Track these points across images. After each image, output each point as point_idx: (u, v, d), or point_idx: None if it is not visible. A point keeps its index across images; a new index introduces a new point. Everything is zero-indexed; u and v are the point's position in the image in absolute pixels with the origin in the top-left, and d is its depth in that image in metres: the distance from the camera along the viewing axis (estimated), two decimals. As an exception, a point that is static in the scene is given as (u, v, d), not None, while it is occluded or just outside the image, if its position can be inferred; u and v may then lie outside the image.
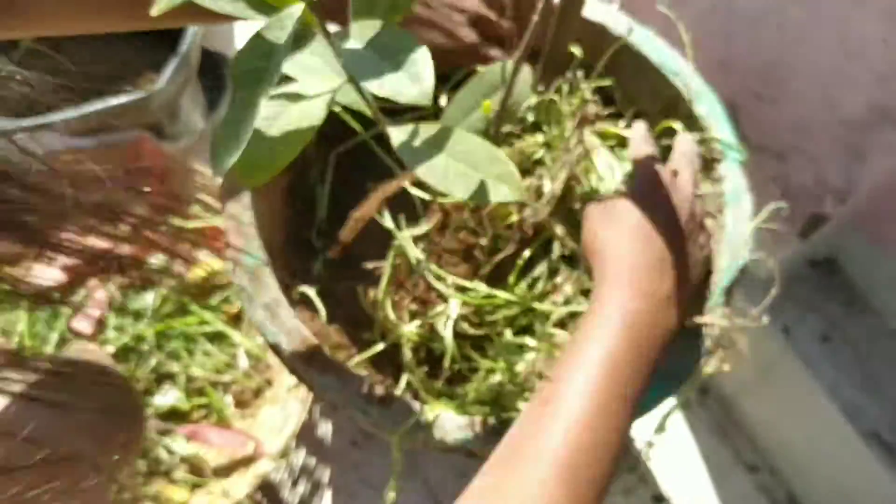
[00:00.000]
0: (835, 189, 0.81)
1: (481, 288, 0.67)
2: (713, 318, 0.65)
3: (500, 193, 0.48)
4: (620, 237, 0.58)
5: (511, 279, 0.69)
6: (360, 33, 0.42)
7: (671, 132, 0.73)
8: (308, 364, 0.59)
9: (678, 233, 0.58)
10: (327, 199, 0.77)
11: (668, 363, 0.62)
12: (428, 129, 0.51)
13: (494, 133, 0.64)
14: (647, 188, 0.60)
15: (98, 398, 0.58)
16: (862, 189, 0.79)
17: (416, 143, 0.50)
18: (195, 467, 0.90)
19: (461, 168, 0.49)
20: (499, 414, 0.61)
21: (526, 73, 0.63)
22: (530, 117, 0.74)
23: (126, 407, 0.60)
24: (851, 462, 0.91)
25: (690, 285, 0.60)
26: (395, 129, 0.50)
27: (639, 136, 0.67)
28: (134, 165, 1.03)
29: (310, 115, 0.50)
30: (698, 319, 0.64)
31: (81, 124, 0.99)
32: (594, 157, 0.71)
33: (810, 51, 0.76)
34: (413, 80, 0.40)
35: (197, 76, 1.08)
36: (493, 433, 0.58)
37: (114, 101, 0.97)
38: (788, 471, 1.05)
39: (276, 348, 0.61)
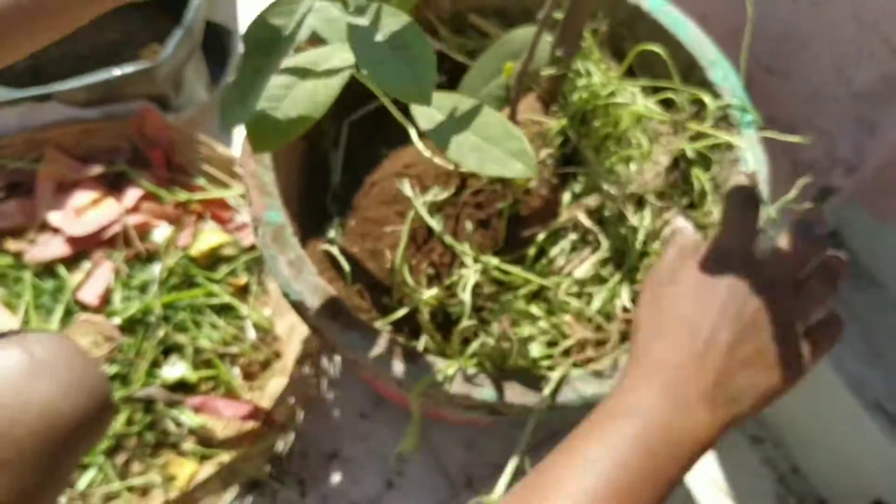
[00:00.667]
0: (844, 161, 0.81)
1: (494, 261, 0.67)
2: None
3: (513, 169, 0.49)
4: (661, 325, 0.48)
5: (530, 252, 0.69)
6: (386, 26, 0.43)
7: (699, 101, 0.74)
8: (332, 321, 0.59)
9: (732, 331, 0.46)
10: (341, 165, 0.77)
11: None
12: (451, 102, 0.51)
13: (513, 98, 0.64)
14: (722, 256, 0.49)
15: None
16: (871, 162, 0.80)
17: (441, 119, 0.51)
18: (204, 439, 0.89)
19: (476, 141, 0.49)
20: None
21: (545, 39, 0.63)
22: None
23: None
24: (855, 433, 0.92)
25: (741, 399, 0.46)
26: (426, 109, 0.51)
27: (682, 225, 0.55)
28: (139, 136, 1.02)
29: (326, 88, 0.51)
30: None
31: (86, 94, 0.98)
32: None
33: (824, 23, 0.77)
34: (416, 79, 0.41)
35: (201, 49, 1.07)
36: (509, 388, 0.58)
37: (118, 71, 0.97)
38: (792, 443, 1.06)
39: (299, 306, 0.60)
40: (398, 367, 0.57)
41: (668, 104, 0.77)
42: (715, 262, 0.48)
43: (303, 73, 0.50)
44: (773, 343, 0.46)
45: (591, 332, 0.66)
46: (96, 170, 1.01)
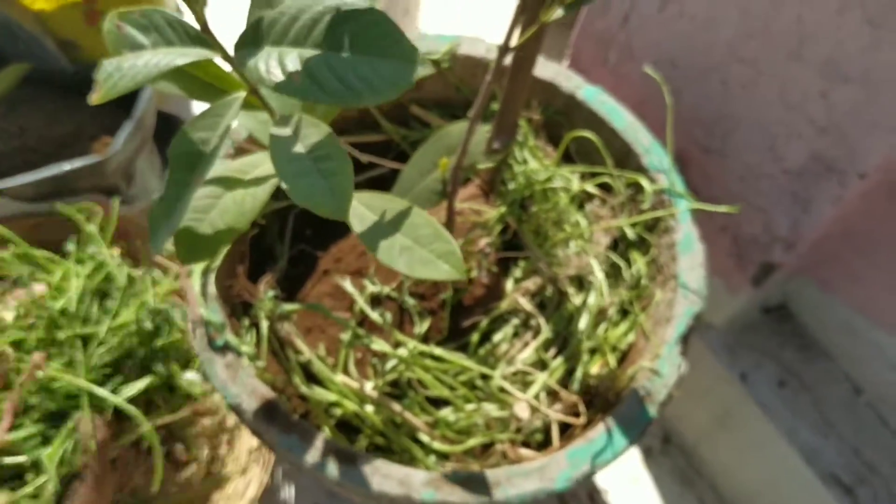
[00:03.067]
0: (782, 238, 0.83)
1: (426, 349, 0.67)
2: (670, 364, 0.66)
3: (441, 271, 0.49)
4: None
5: (474, 339, 0.70)
6: (307, 138, 0.43)
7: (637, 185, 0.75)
8: (270, 424, 0.58)
9: None
10: (287, 253, 0.78)
11: (626, 411, 0.62)
12: (383, 203, 0.52)
13: (450, 192, 0.65)
14: None
15: None
16: (808, 237, 0.81)
17: (374, 219, 0.52)
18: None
19: (406, 242, 0.50)
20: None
21: (481, 132, 0.65)
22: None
23: None
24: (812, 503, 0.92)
25: None
26: (361, 209, 0.51)
27: None
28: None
29: (253, 198, 0.51)
30: (650, 365, 0.65)
31: (35, 189, 0.98)
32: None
33: (753, 105, 0.79)
34: (333, 194, 0.41)
35: (153, 139, 1.08)
36: (459, 485, 0.57)
37: (68, 165, 0.97)
38: (752, 517, 1.06)
39: (237, 409, 0.60)
40: (333, 470, 0.56)
41: (607, 189, 0.78)
42: None
43: (230, 183, 0.50)
44: None
45: (532, 418, 0.67)
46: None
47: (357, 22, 0.39)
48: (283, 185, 0.43)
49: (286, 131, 0.45)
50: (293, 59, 0.40)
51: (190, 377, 0.87)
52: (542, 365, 0.70)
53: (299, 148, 0.43)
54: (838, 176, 0.75)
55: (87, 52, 1.10)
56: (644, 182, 0.74)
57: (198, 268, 0.66)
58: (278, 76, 0.39)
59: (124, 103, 1.02)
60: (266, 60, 0.41)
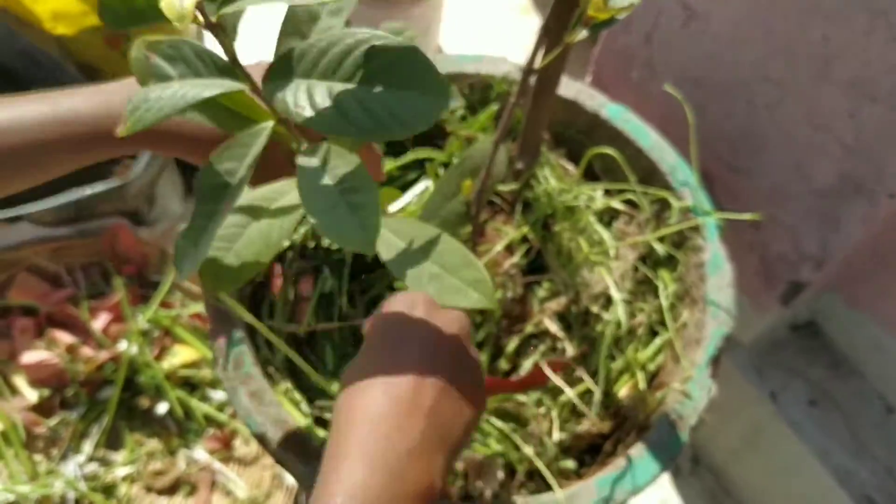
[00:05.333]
0: (811, 257, 0.82)
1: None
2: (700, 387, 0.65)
3: (471, 299, 0.48)
4: (357, 389, 0.43)
5: (503, 365, 0.69)
6: (335, 168, 0.42)
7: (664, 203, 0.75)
8: (295, 455, 0.58)
9: (437, 365, 0.44)
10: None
11: (657, 437, 0.61)
12: (411, 230, 0.51)
13: (475, 214, 0.65)
14: (406, 307, 0.46)
15: None
16: (838, 256, 0.80)
17: (410, 249, 0.51)
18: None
19: (435, 270, 0.49)
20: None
21: (502, 153, 0.64)
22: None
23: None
24: (846, 527, 0.90)
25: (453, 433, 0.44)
26: (389, 235, 0.51)
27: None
28: (111, 254, 1.02)
29: (279, 228, 0.50)
30: (681, 388, 0.64)
31: (57, 214, 0.98)
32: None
33: (780, 124, 0.78)
34: (361, 227, 0.40)
35: (174, 160, 1.08)
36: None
37: (89, 190, 0.97)
38: (785, 540, 1.04)
39: (261, 438, 0.59)
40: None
41: (633, 206, 0.78)
42: (403, 307, 0.46)
43: (256, 212, 0.50)
44: (471, 376, 0.45)
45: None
46: (66, 293, 1.01)
47: (388, 56, 0.38)
48: (310, 219, 0.42)
49: (314, 161, 0.45)
50: (322, 93, 0.39)
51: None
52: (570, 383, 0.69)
53: (327, 180, 0.43)
54: (868, 195, 0.74)
55: (108, 76, 1.10)
56: (671, 199, 0.73)
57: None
58: (307, 111, 0.39)
59: (146, 127, 1.03)
60: (295, 93, 0.40)
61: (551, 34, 0.55)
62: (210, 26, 0.37)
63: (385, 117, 0.38)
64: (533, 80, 0.62)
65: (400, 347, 0.44)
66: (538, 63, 0.53)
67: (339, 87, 0.38)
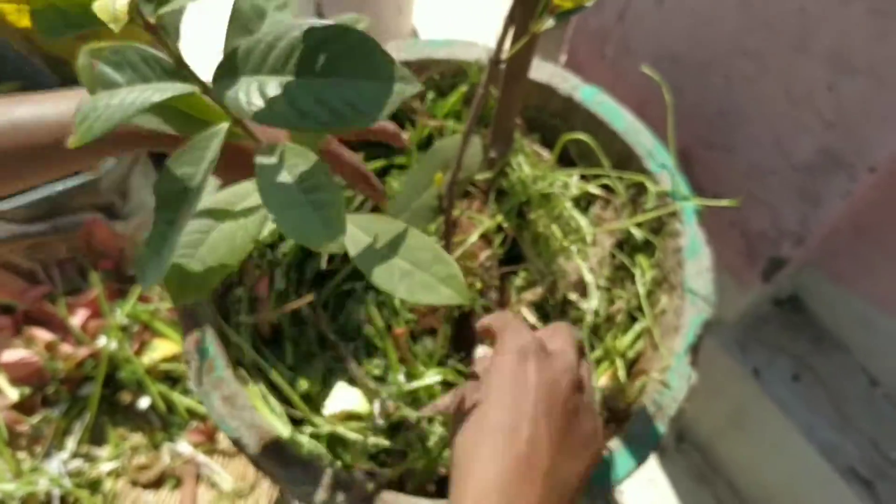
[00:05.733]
0: (791, 233, 0.81)
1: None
2: (679, 375, 0.64)
3: (443, 295, 0.47)
4: (476, 442, 0.45)
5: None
6: (293, 166, 0.41)
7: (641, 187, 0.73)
8: (270, 457, 0.57)
9: (551, 421, 0.46)
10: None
11: (636, 429, 0.61)
12: (378, 225, 0.50)
13: (446, 207, 0.64)
14: (519, 356, 0.48)
15: None
16: (818, 231, 0.79)
17: (376, 245, 0.50)
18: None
19: (405, 266, 0.48)
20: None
21: (475, 144, 0.63)
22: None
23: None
24: (832, 500, 0.90)
25: (569, 487, 0.45)
26: (355, 231, 0.50)
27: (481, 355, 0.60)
28: (87, 249, 1.01)
29: (244, 230, 0.49)
30: (660, 377, 0.63)
31: (30, 210, 0.97)
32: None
33: (758, 99, 0.77)
34: (325, 225, 0.39)
35: (147, 153, 1.06)
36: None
37: (60, 186, 0.95)
38: (771, 513, 1.05)
39: (237, 443, 0.59)
40: (340, 500, 0.55)
41: (610, 191, 0.76)
42: (515, 362, 0.48)
43: (219, 215, 0.49)
44: (584, 423, 0.47)
45: None
46: (43, 290, 0.99)
47: (336, 44, 0.37)
48: (271, 218, 0.41)
49: (271, 160, 0.43)
50: (274, 88, 0.38)
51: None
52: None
53: (285, 177, 0.42)
54: (847, 170, 0.73)
55: (76, 69, 1.08)
56: (648, 184, 0.72)
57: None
58: (258, 104, 0.37)
59: (116, 119, 1.01)
60: (246, 90, 0.39)
61: (517, 22, 0.54)
62: (149, 28, 0.36)
63: (340, 107, 0.37)
64: (503, 67, 0.60)
65: (518, 405, 0.45)
66: (505, 53, 0.52)
67: (290, 80, 0.37)
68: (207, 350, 0.62)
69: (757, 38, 0.73)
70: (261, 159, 0.44)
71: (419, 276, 0.49)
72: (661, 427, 0.60)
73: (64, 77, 1.07)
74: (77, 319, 0.99)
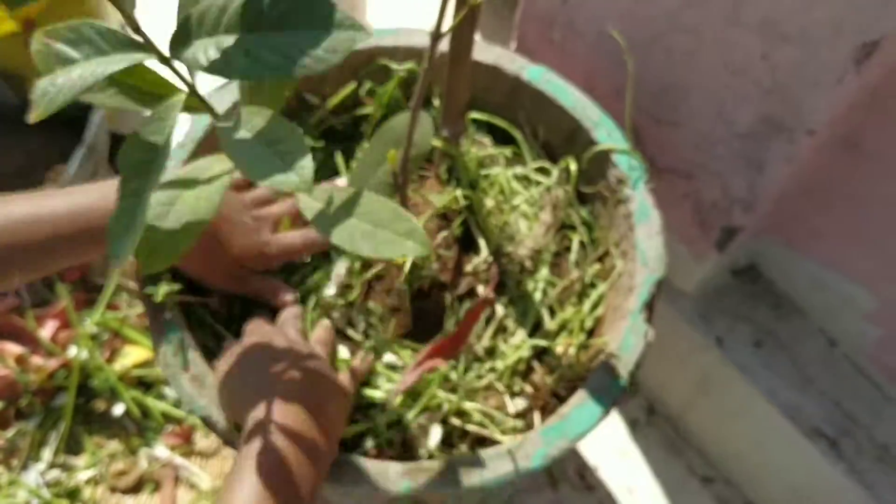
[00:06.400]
0: (740, 200, 0.84)
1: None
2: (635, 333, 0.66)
3: (407, 248, 0.49)
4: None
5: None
6: (250, 123, 0.43)
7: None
8: (238, 433, 0.58)
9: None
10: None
11: (595, 383, 0.63)
12: (338, 194, 0.52)
13: (401, 183, 0.65)
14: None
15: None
16: (766, 197, 0.82)
17: (329, 210, 0.51)
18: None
19: (366, 227, 0.50)
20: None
21: (425, 122, 0.65)
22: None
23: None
24: (800, 460, 0.93)
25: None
26: (306, 198, 0.51)
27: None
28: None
29: (207, 198, 0.50)
30: (616, 336, 0.66)
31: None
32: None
33: (698, 72, 0.80)
34: (296, 171, 0.41)
35: (108, 161, 1.07)
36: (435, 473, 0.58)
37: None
38: (742, 477, 1.07)
39: (207, 421, 0.60)
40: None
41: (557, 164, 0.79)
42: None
43: (186, 184, 0.50)
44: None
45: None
46: (10, 303, 1.00)
47: (286, 1, 0.39)
48: (239, 170, 0.42)
49: (229, 123, 0.45)
50: (229, 42, 0.40)
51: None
52: (505, 349, 0.70)
53: (244, 133, 0.43)
54: (788, 134, 0.76)
55: (33, 84, 1.09)
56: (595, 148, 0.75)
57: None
58: (214, 55, 0.39)
59: (76, 129, 1.02)
60: (204, 51, 0.41)
61: (457, -3, 0.56)
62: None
63: (294, 53, 0.39)
64: (446, 45, 0.62)
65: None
66: (445, 27, 0.54)
67: (247, 37, 0.39)
68: (174, 331, 0.63)
69: (692, 12, 0.76)
70: (220, 124, 0.45)
71: (381, 233, 0.50)
72: (622, 379, 0.63)
73: (20, 91, 1.08)
74: (46, 331, 1.00)
